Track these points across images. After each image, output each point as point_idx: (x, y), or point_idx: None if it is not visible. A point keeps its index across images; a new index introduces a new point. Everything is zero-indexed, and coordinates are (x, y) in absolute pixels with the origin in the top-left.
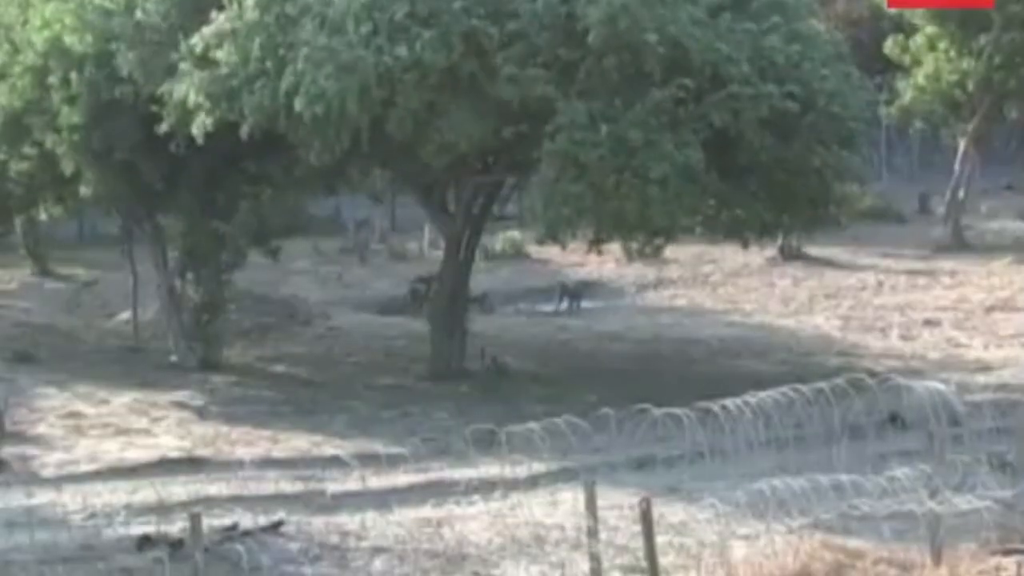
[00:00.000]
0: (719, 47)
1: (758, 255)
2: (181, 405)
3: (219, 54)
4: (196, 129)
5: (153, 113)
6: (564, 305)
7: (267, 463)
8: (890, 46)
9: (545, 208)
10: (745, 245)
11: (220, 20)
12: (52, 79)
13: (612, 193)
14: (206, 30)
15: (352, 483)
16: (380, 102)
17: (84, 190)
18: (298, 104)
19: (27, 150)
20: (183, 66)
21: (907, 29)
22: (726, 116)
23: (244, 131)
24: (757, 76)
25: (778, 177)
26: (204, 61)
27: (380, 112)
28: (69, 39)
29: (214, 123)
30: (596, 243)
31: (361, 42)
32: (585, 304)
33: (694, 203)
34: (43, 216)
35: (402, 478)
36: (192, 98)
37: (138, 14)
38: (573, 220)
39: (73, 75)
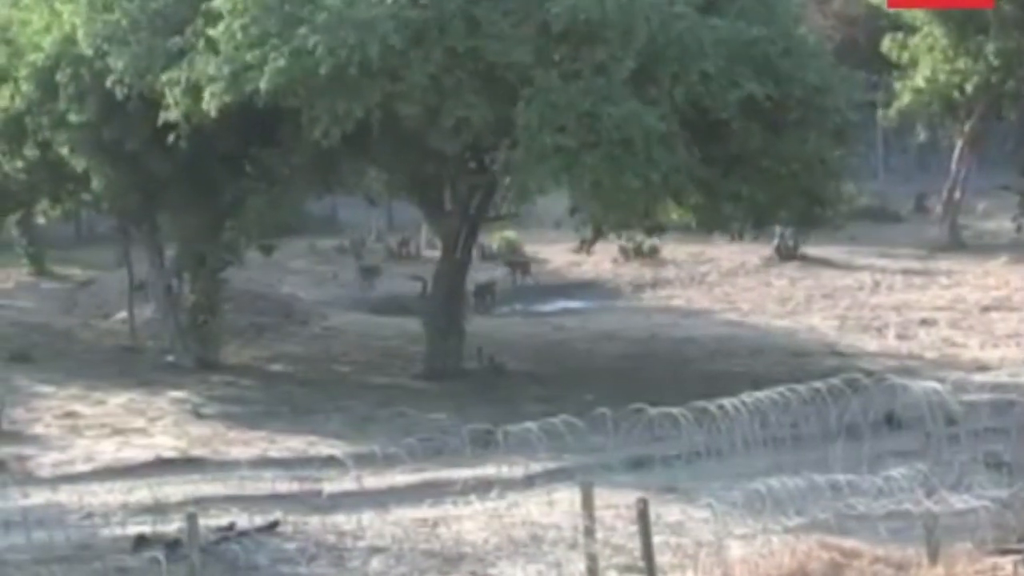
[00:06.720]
0: (688, 41)
1: (754, 255)
2: (178, 405)
3: (234, 26)
4: (207, 105)
5: (160, 106)
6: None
7: (263, 463)
8: (887, 45)
9: (525, 161)
10: (735, 237)
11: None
12: (60, 77)
13: (587, 153)
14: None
15: (348, 483)
16: (389, 75)
17: (95, 184)
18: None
19: (27, 152)
20: (201, 43)
21: (904, 29)
22: (703, 97)
23: (263, 84)
24: (745, 69)
25: (768, 165)
26: (211, 42)
27: (390, 88)
28: (80, 41)
29: (229, 97)
30: (591, 241)
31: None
32: (579, 304)
33: (674, 176)
34: (40, 219)
35: (399, 478)
36: (209, 71)
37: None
38: (557, 175)
39: (84, 72)
